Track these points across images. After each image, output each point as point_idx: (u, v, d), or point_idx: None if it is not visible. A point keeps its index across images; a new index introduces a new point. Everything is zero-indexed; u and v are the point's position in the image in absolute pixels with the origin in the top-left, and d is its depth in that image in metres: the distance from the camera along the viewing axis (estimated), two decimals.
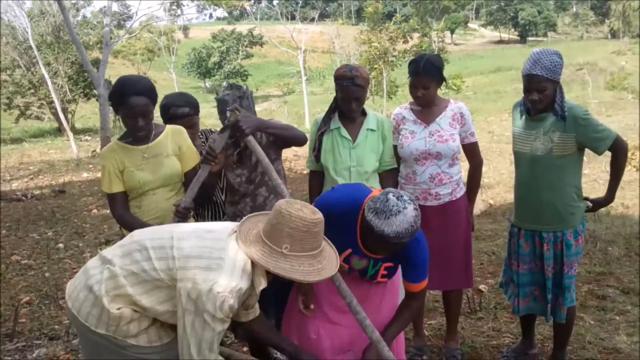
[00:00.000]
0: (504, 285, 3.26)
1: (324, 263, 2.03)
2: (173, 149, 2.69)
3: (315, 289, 2.50)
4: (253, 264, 1.95)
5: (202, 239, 1.97)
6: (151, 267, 1.94)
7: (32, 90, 22.24)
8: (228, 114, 2.52)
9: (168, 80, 35.44)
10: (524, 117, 3.00)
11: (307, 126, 20.02)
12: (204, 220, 2.98)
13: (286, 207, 1.96)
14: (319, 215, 2.00)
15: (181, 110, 2.89)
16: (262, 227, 2.00)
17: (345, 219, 2.33)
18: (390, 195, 2.12)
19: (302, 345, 2.44)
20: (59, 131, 22.19)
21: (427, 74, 3.03)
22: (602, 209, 7.24)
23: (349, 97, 2.95)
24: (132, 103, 2.51)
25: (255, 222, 2.07)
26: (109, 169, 2.66)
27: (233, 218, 2.75)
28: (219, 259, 1.89)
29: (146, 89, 2.56)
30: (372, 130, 3.05)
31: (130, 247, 2.01)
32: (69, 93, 22.42)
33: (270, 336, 2.36)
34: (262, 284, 1.98)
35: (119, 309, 1.94)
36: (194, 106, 2.96)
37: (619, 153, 2.90)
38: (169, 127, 2.76)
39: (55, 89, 19.08)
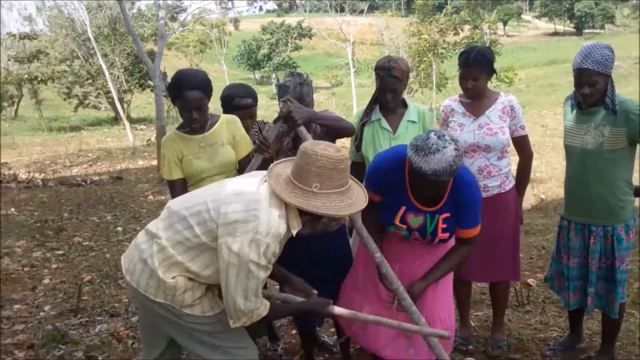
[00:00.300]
0: (549, 280, 3.25)
1: (354, 198, 2.11)
2: (227, 137, 2.81)
3: (369, 276, 2.58)
4: (286, 207, 2.04)
5: (236, 194, 2.05)
6: (193, 234, 2.06)
7: (90, 81, 23.05)
8: (281, 104, 2.60)
9: (219, 72, 36.02)
10: (574, 110, 2.98)
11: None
12: None
13: (312, 147, 2.05)
14: (344, 153, 2.09)
15: (244, 101, 3.02)
16: (290, 170, 2.09)
17: (394, 175, 2.42)
18: (432, 134, 2.19)
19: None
20: (115, 120, 22.97)
21: (477, 65, 3.04)
22: None
23: (385, 88, 3.00)
24: (187, 97, 2.65)
25: (282, 167, 2.16)
26: (168, 157, 2.81)
27: None
28: (255, 210, 1.98)
29: (201, 83, 2.70)
30: (412, 122, 3.09)
31: (170, 219, 2.14)
32: (124, 83, 23.14)
33: (281, 311, 2.41)
34: (296, 226, 2.08)
35: (173, 277, 2.08)
36: (254, 97, 3.08)
37: None
38: (223, 116, 2.88)
39: (112, 80, 19.73)
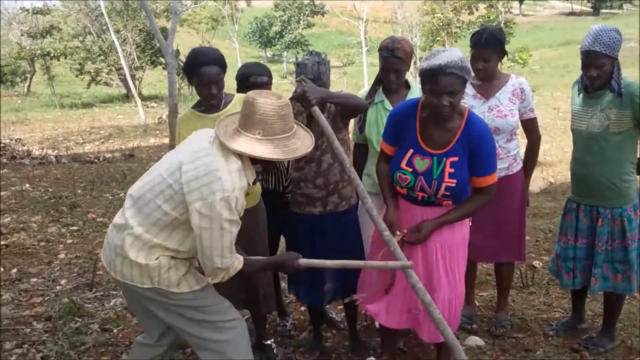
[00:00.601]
0: (552, 262, 3.30)
1: (299, 144, 2.20)
2: None
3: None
4: (241, 159, 2.13)
5: (191, 160, 2.10)
6: (163, 213, 2.11)
7: (102, 57, 23.09)
8: (295, 84, 2.65)
9: (230, 50, 35.83)
10: (581, 94, 3.01)
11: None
12: (268, 185, 3.17)
13: (253, 96, 2.12)
14: (285, 100, 2.16)
15: (261, 78, 3.07)
16: (237, 120, 2.17)
17: (406, 118, 2.55)
18: (439, 48, 2.45)
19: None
20: (127, 97, 23.04)
21: (488, 47, 3.07)
22: None
23: (387, 69, 3.04)
24: (206, 72, 2.70)
25: (230, 121, 2.23)
26: (184, 135, 2.85)
27: (297, 183, 2.90)
28: (215, 171, 2.04)
29: (218, 59, 2.75)
30: None
31: (137, 205, 2.17)
32: (136, 60, 23.17)
33: (255, 265, 2.42)
34: (251, 176, 2.18)
35: (156, 259, 2.14)
36: (270, 75, 3.15)
37: None
38: (237, 95, 2.93)
39: (124, 56, 19.75)
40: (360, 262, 2.58)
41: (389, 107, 3.08)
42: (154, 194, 2.14)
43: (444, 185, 2.45)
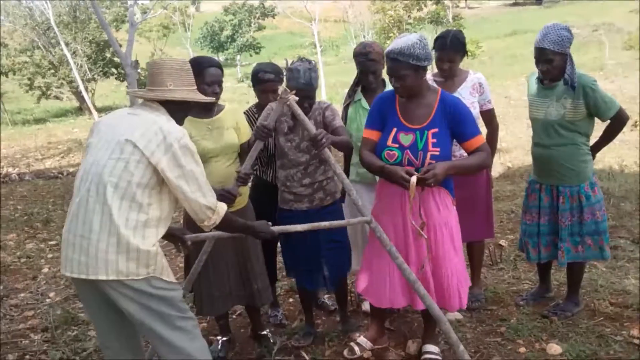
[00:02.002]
0: (520, 240, 3.59)
1: (201, 95, 2.49)
2: (232, 123, 3.08)
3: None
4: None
5: (133, 130, 2.20)
6: (139, 189, 2.16)
7: (52, 71, 22.61)
8: (280, 90, 2.83)
9: (183, 56, 35.50)
10: (537, 86, 3.31)
11: (323, 97, 20.19)
12: (267, 178, 3.42)
13: (158, 58, 2.45)
14: (185, 58, 2.49)
15: (267, 75, 3.31)
16: (147, 85, 2.40)
17: (387, 102, 2.86)
18: (404, 33, 2.73)
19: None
20: (80, 110, 22.64)
21: (452, 48, 3.39)
22: (617, 168, 7.50)
23: (366, 71, 3.34)
24: (211, 72, 2.96)
25: (141, 90, 2.46)
26: None
27: (284, 181, 3.12)
28: (159, 130, 2.19)
29: (218, 63, 3.05)
30: None
31: (111, 204, 2.14)
32: (88, 72, 22.78)
33: (235, 222, 2.55)
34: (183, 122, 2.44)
35: (153, 245, 2.21)
36: (278, 74, 3.37)
37: (618, 123, 3.23)
38: (228, 105, 3.18)
39: (76, 69, 19.41)
40: (326, 223, 2.79)
41: (366, 105, 3.35)
42: (117, 176, 2.16)
43: (429, 154, 2.71)
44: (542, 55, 3.13)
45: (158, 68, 2.36)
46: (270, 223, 2.65)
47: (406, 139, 2.76)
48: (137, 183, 2.17)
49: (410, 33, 2.80)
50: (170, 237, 2.64)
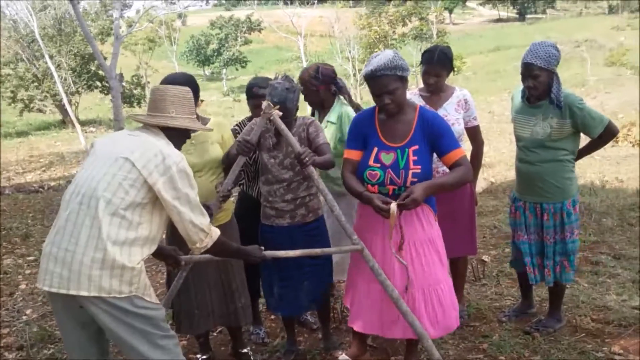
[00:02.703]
0: (514, 262, 3.57)
1: (201, 123, 2.57)
2: (217, 137, 3.05)
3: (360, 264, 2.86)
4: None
5: (134, 150, 2.23)
6: (131, 207, 2.17)
7: (36, 84, 22.43)
8: (264, 105, 2.82)
9: (168, 69, 35.39)
10: (523, 103, 3.33)
11: (307, 112, 20.19)
12: (253, 193, 3.42)
13: (161, 85, 2.48)
14: (187, 88, 2.48)
15: (261, 91, 3.28)
16: (147, 109, 2.44)
17: (365, 122, 2.86)
18: (374, 54, 2.73)
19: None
20: (63, 123, 22.42)
21: (439, 63, 3.38)
22: (598, 183, 7.57)
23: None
24: None
25: (142, 115, 2.47)
26: None
27: (267, 197, 3.09)
28: (158, 152, 2.23)
29: (189, 80, 2.90)
30: (332, 122, 3.48)
31: (103, 220, 2.14)
32: (72, 85, 22.61)
33: (228, 246, 2.55)
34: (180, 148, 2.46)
35: (138, 263, 2.20)
36: None
37: (606, 137, 3.25)
38: (214, 119, 3.15)
39: (60, 82, 19.25)
40: (318, 250, 2.85)
41: (325, 120, 3.50)
42: (112, 192, 2.17)
43: (410, 172, 2.70)
44: (528, 71, 3.14)
45: (161, 94, 2.40)
46: (262, 248, 2.66)
47: (387, 157, 2.75)
48: (131, 201, 2.19)
49: (384, 50, 2.85)
50: (163, 256, 2.65)
